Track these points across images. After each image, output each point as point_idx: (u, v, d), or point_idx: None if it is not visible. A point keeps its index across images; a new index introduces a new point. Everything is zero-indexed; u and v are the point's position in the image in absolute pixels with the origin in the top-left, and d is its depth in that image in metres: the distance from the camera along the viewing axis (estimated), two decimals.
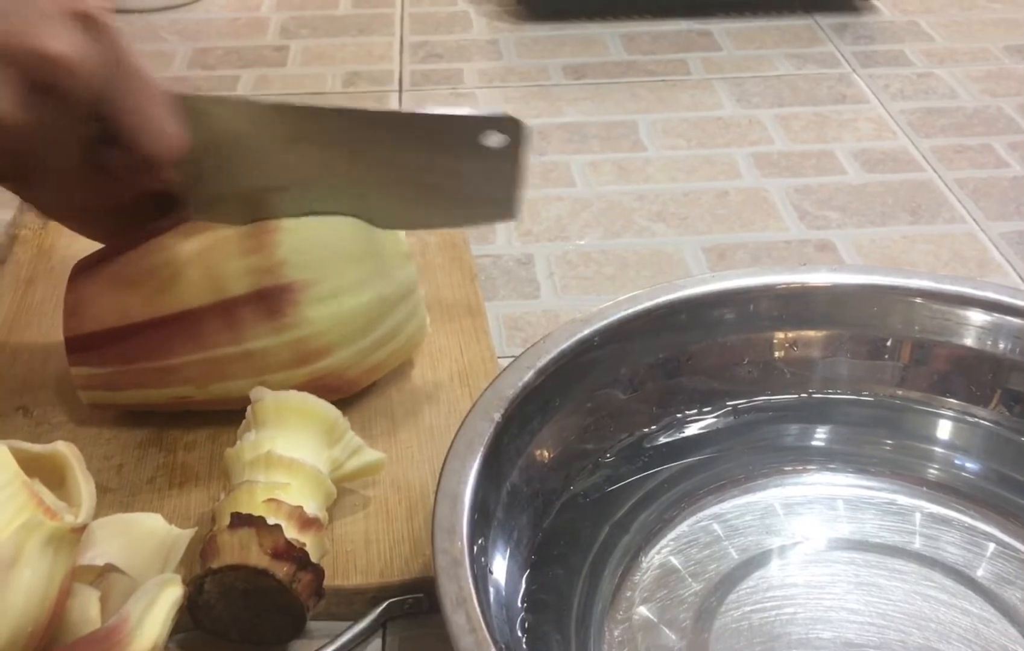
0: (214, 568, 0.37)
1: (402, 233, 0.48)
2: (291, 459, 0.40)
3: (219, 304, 0.44)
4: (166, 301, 0.44)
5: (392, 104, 0.79)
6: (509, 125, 0.43)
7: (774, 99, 0.80)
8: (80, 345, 0.46)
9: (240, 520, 0.38)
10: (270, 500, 0.39)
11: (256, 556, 0.37)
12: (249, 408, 0.42)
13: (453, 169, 0.45)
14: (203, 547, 0.38)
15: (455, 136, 0.44)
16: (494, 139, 0.44)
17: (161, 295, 0.44)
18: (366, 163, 0.45)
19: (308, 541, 0.38)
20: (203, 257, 0.44)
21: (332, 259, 0.44)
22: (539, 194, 0.68)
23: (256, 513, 0.38)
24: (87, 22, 0.37)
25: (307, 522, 0.39)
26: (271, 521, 0.38)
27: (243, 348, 0.44)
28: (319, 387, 0.44)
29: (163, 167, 0.41)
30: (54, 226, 0.60)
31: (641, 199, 0.68)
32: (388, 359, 0.47)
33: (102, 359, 0.45)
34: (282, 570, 0.37)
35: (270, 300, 0.43)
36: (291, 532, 0.38)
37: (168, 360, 0.45)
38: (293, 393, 0.42)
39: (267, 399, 0.42)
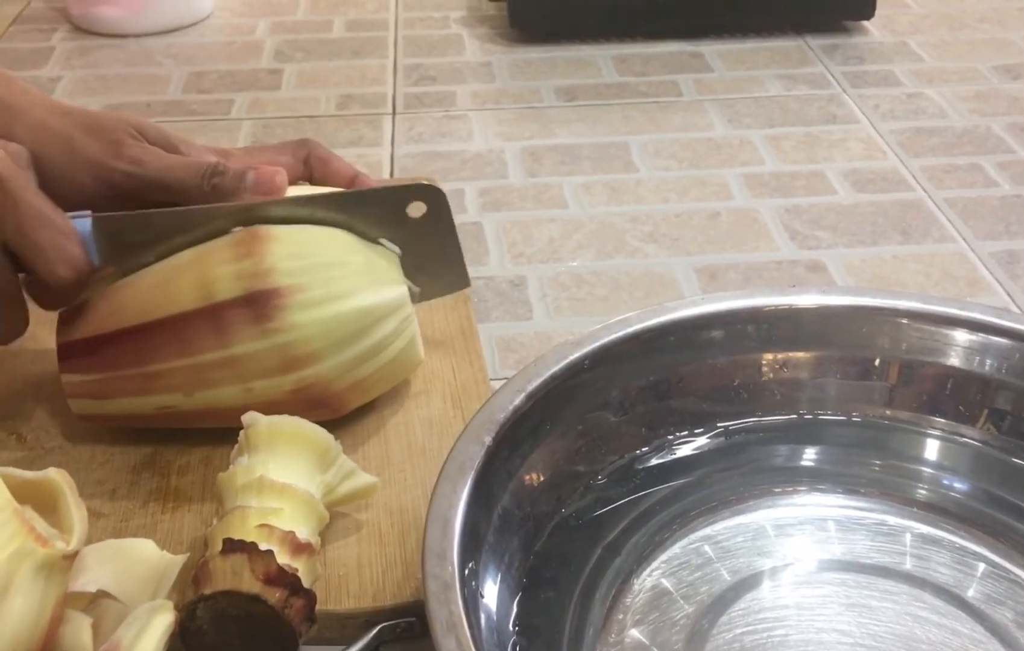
0: (206, 594, 0.37)
1: (396, 253, 0.48)
2: (283, 484, 0.40)
3: (206, 309, 0.44)
4: (155, 305, 0.45)
5: (386, 126, 0.80)
6: (429, 193, 0.47)
7: (765, 120, 0.80)
8: (70, 351, 0.46)
9: (232, 546, 0.38)
10: (262, 525, 0.39)
11: (248, 582, 0.37)
12: (242, 433, 0.42)
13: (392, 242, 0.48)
14: (195, 573, 0.38)
15: (381, 210, 0.47)
16: (416, 208, 0.47)
17: (151, 299, 0.45)
18: None
19: (300, 566, 0.39)
20: (195, 261, 0.45)
21: (320, 266, 0.45)
22: (532, 216, 0.69)
23: (248, 538, 0.38)
24: None
25: (299, 547, 0.39)
26: (263, 547, 0.38)
27: (229, 353, 0.44)
28: (305, 399, 0.44)
29: (69, 289, 0.45)
30: None
31: (633, 220, 0.68)
32: (376, 376, 0.47)
33: (91, 366, 0.46)
34: (274, 596, 0.37)
35: (257, 304, 0.44)
36: (283, 557, 0.38)
37: (155, 366, 0.45)
38: (286, 417, 0.42)
39: (260, 424, 0.42)
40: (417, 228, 0.48)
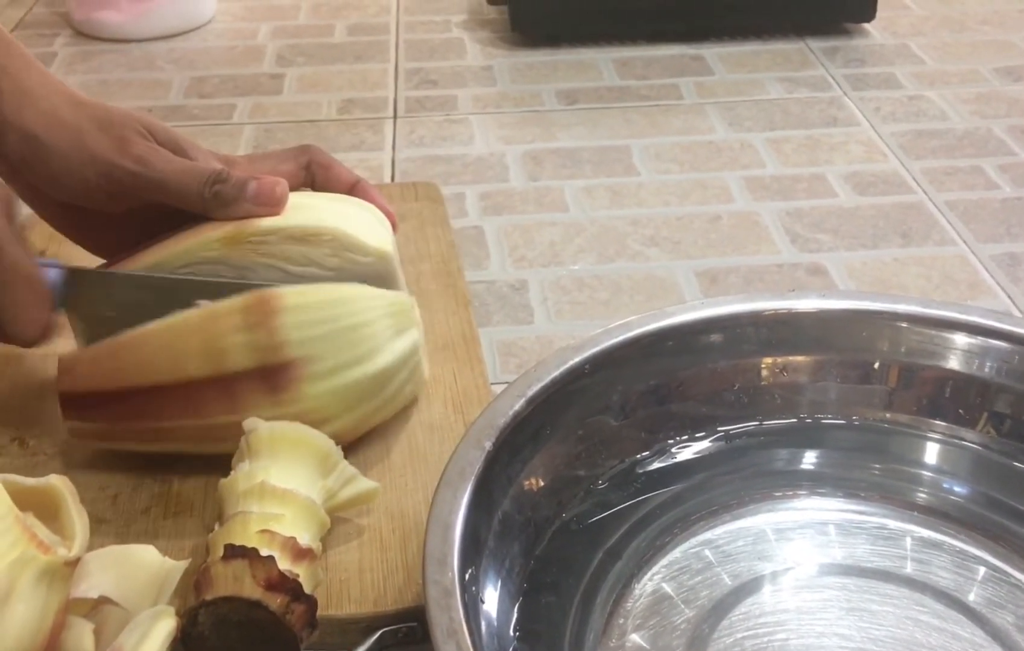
0: (208, 600, 0.37)
1: (410, 298, 0.47)
2: (284, 490, 0.40)
3: (218, 378, 0.44)
4: (164, 368, 0.44)
5: (387, 130, 0.80)
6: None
7: (766, 123, 0.81)
8: (73, 402, 0.46)
9: (234, 552, 0.38)
10: (264, 531, 0.39)
11: (249, 587, 0.37)
12: (243, 438, 0.42)
13: None
14: (197, 578, 0.38)
15: None
16: None
17: (159, 362, 0.44)
18: None
19: (302, 572, 0.39)
20: (203, 327, 0.44)
21: (334, 333, 0.44)
22: (533, 219, 0.69)
23: (250, 544, 0.38)
24: None
25: (300, 553, 0.39)
26: (264, 552, 0.38)
27: (240, 418, 0.44)
28: None
29: (29, 345, 0.46)
30: (50, 256, 0.60)
31: (634, 224, 0.68)
32: (385, 416, 0.48)
33: (95, 416, 0.46)
34: (275, 601, 0.37)
35: (271, 378, 0.43)
36: (284, 563, 0.38)
37: (164, 423, 0.45)
38: (287, 424, 0.42)
39: (261, 429, 0.42)
40: None
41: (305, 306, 0.44)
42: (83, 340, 0.48)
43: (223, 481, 0.42)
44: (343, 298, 0.45)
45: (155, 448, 0.46)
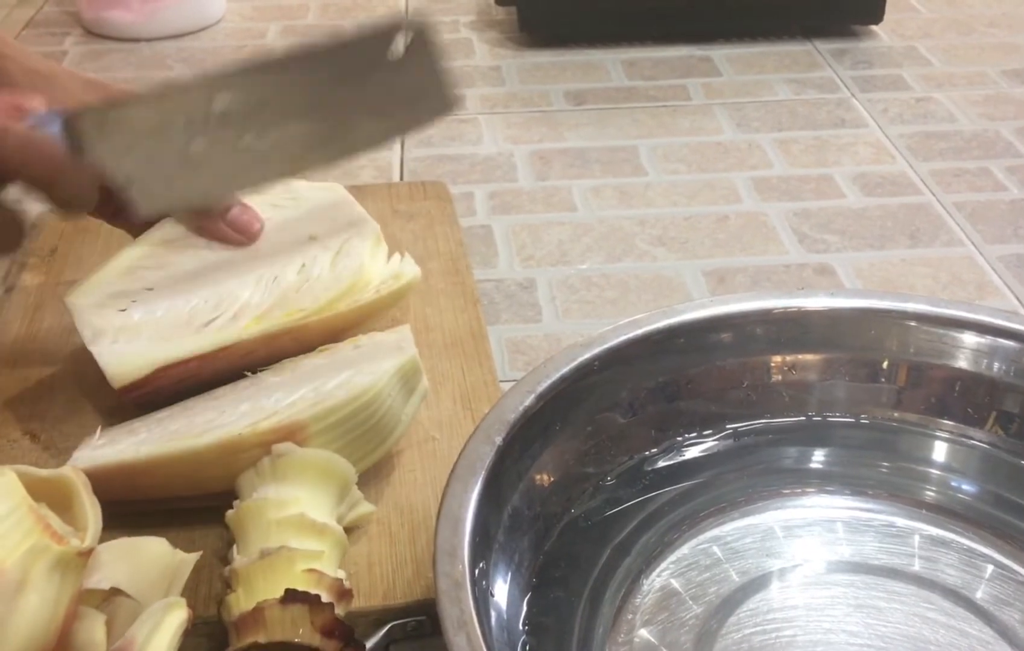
0: (262, 642, 0.36)
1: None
2: (324, 524, 0.40)
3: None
4: (180, 487, 0.44)
5: None
6: (412, 28, 0.46)
7: (774, 124, 0.81)
8: None
9: (294, 596, 0.37)
10: (310, 570, 0.38)
11: (308, 634, 0.36)
12: (267, 459, 0.42)
13: (379, 83, 0.47)
14: (240, 618, 0.37)
15: (366, 57, 0.46)
16: (400, 46, 0.46)
17: (175, 484, 0.44)
18: (297, 108, 0.47)
19: (342, 611, 0.38)
20: (224, 460, 0.43)
21: (357, 438, 0.44)
22: (541, 219, 0.69)
23: (298, 584, 0.38)
24: None
25: (343, 593, 0.39)
26: (320, 596, 0.37)
27: None
28: None
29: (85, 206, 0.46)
30: (62, 253, 0.60)
31: (642, 224, 0.69)
32: None
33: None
34: (331, 647, 0.37)
35: None
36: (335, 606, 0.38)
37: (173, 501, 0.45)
38: (315, 451, 0.42)
39: (294, 454, 0.41)
40: (405, 64, 0.46)
41: (328, 428, 0.43)
42: (121, 180, 0.46)
43: (243, 504, 0.41)
44: (363, 403, 0.44)
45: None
